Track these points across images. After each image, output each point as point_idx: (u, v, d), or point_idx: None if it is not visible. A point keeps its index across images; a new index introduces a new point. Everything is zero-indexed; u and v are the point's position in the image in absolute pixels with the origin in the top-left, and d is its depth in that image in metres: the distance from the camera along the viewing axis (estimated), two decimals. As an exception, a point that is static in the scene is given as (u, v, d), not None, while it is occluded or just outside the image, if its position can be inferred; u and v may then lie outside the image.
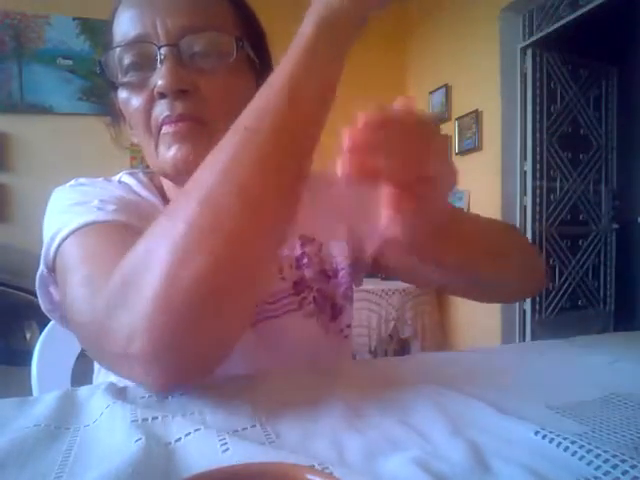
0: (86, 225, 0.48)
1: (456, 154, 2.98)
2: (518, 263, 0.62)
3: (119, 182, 0.62)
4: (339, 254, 0.66)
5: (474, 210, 2.92)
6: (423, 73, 3.37)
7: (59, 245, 0.48)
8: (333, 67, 0.42)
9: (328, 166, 0.70)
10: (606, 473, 0.27)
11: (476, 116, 2.79)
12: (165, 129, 0.53)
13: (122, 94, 0.55)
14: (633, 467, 0.27)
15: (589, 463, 0.28)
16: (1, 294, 1.76)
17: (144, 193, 0.61)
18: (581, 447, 0.30)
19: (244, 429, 0.34)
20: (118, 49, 0.54)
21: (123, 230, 0.48)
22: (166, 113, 0.52)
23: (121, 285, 0.37)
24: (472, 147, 2.83)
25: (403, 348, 2.81)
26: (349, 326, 0.68)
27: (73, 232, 0.47)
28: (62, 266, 0.47)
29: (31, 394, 0.71)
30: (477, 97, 2.81)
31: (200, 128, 0.52)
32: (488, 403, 0.38)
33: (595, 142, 2.95)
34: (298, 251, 0.64)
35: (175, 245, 0.36)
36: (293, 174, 0.41)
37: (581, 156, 2.89)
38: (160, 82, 0.50)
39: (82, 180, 0.59)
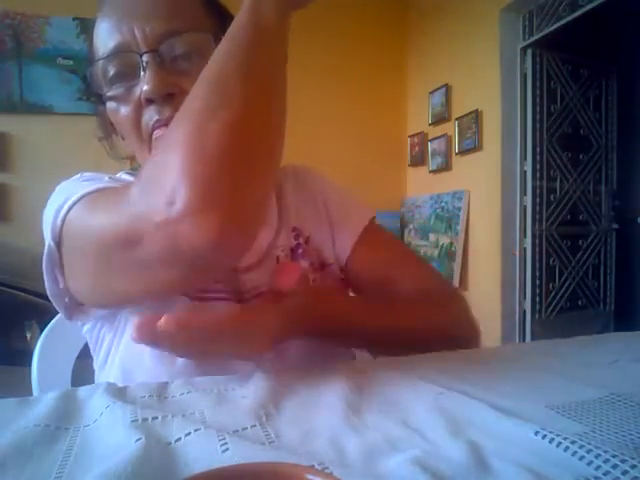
0: (97, 190, 0.48)
1: (456, 154, 2.98)
2: (441, 342, 0.59)
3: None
4: (326, 249, 0.67)
5: (474, 210, 2.93)
6: (423, 73, 3.37)
7: (67, 211, 0.48)
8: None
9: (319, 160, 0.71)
10: (606, 473, 0.27)
11: (476, 116, 2.79)
12: (157, 133, 0.54)
13: (110, 105, 0.56)
14: (633, 467, 0.27)
15: (589, 463, 0.28)
16: (1, 294, 1.76)
17: None
18: (581, 447, 0.29)
19: (244, 429, 0.34)
20: (101, 62, 0.54)
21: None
22: (156, 118, 0.53)
23: (151, 171, 0.38)
24: (472, 147, 2.83)
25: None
26: None
27: (82, 197, 0.48)
28: (74, 226, 0.48)
29: (31, 394, 0.71)
30: (477, 97, 2.81)
31: None
32: (488, 403, 0.38)
33: (595, 142, 2.95)
34: (293, 242, 0.65)
35: (197, 111, 0.38)
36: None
37: (581, 156, 2.89)
38: (146, 88, 0.52)
39: (87, 174, 0.60)
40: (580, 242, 2.91)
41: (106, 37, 0.55)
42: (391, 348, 0.57)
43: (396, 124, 3.55)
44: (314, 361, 0.58)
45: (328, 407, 0.38)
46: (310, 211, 0.68)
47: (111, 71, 0.54)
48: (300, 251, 0.65)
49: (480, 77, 2.80)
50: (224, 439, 0.31)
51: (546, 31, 2.52)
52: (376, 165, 3.41)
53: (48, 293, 0.54)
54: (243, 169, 0.38)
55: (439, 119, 3.15)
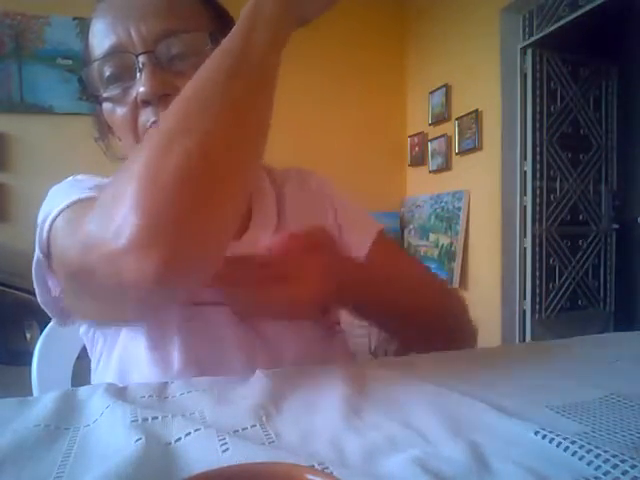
0: (76, 202, 0.48)
1: (456, 154, 2.98)
2: (446, 335, 0.64)
3: None
4: None
5: (474, 210, 2.93)
6: (423, 73, 3.37)
7: (51, 225, 0.48)
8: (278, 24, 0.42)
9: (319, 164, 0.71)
10: (606, 473, 0.27)
11: (476, 116, 2.79)
12: None
13: (106, 107, 0.56)
14: (633, 467, 0.27)
15: (589, 463, 0.28)
16: (1, 294, 1.76)
17: None
18: (581, 447, 0.29)
19: (244, 429, 0.34)
20: (96, 63, 0.54)
21: None
22: (152, 119, 0.52)
23: (106, 199, 0.38)
24: (472, 147, 2.83)
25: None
26: (339, 323, 0.69)
27: (63, 210, 0.48)
28: (54, 242, 0.48)
29: (31, 394, 0.71)
30: (477, 97, 2.81)
31: None
32: (488, 403, 0.38)
33: (595, 142, 2.95)
34: None
35: (156, 143, 0.37)
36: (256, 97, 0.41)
37: (581, 156, 2.89)
38: (142, 89, 0.51)
39: (79, 176, 0.59)
40: (580, 242, 2.91)
41: (101, 37, 0.54)
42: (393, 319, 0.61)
43: (396, 124, 3.55)
44: (309, 357, 0.57)
45: (328, 407, 0.38)
46: (313, 214, 0.67)
47: (107, 72, 0.54)
48: None
49: (480, 77, 2.79)
50: (224, 439, 0.31)
51: (546, 31, 2.52)
52: (376, 165, 3.41)
53: (39, 301, 0.54)
54: (196, 208, 0.36)
55: (439, 119, 3.15)
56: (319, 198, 0.69)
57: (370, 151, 3.39)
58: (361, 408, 0.38)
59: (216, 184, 0.37)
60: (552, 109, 2.71)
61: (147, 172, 0.35)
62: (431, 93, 3.21)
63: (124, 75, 0.53)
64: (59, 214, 0.48)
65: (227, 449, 0.30)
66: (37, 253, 0.52)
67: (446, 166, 3.08)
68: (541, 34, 2.55)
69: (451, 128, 3.01)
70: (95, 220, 0.38)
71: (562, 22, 2.42)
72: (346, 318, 0.71)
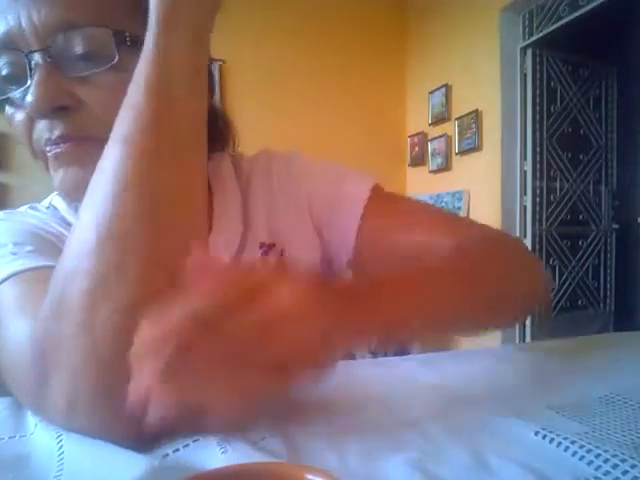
0: (3, 280, 0.40)
1: (456, 154, 2.98)
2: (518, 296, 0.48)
3: (48, 207, 0.56)
4: (307, 253, 0.57)
5: (474, 210, 2.91)
6: (423, 73, 3.37)
7: None
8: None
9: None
10: (606, 473, 0.27)
11: (476, 116, 2.79)
12: (50, 151, 0.44)
13: (7, 110, 0.45)
14: (633, 467, 0.27)
15: (589, 463, 0.28)
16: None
17: (72, 219, 0.52)
18: (581, 447, 0.29)
19: (244, 429, 0.34)
20: None
21: (41, 276, 0.40)
22: (46, 136, 0.43)
23: (40, 355, 0.32)
24: (472, 147, 2.83)
25: (403, 348, 2.81)
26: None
27: (6, 279, 0.40)
28: None
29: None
30: (477, 97, 2.81)
31: (88, 146, 0.42)
32: (488, 403, 0.38)
33: (595, 142, 2.95)
34: None
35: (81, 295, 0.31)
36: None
37: (581, 156, 2.89)
38: (29, 100, 0.40)
39: (1, 215, 0.51)
40: (580, 242, 2.91)
41: None
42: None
43: (396, 124, 3.55)
44: None
45: (328, 407, 0.38)
46: (289, 213, 0.56)
47: (3, 70, 0.43)
48: None
49: (480, 77, 2.79)
50: (223, 439, 0.31)
51: (546, 31, 2.52)
52: (376, 165, 3.41)
53: None
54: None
55: (439, 119, 3.15)
56: (286, 184, 0.58)
57: (370, 151, 3.39)
58: (361, 408, 0.38)
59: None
60: (552, 109, 2.71)
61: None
62: (431, 93, 3.21)
63: (19, 76, 0.42)
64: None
65: (226, 450, 0.30)
66: None
67: (446, 166, 3.08)
68: (541, 34, 2.55)
69: (451, 128, 3.01)
70: (39, 379, 0.32)
71: (562, 22, 2.42)
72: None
